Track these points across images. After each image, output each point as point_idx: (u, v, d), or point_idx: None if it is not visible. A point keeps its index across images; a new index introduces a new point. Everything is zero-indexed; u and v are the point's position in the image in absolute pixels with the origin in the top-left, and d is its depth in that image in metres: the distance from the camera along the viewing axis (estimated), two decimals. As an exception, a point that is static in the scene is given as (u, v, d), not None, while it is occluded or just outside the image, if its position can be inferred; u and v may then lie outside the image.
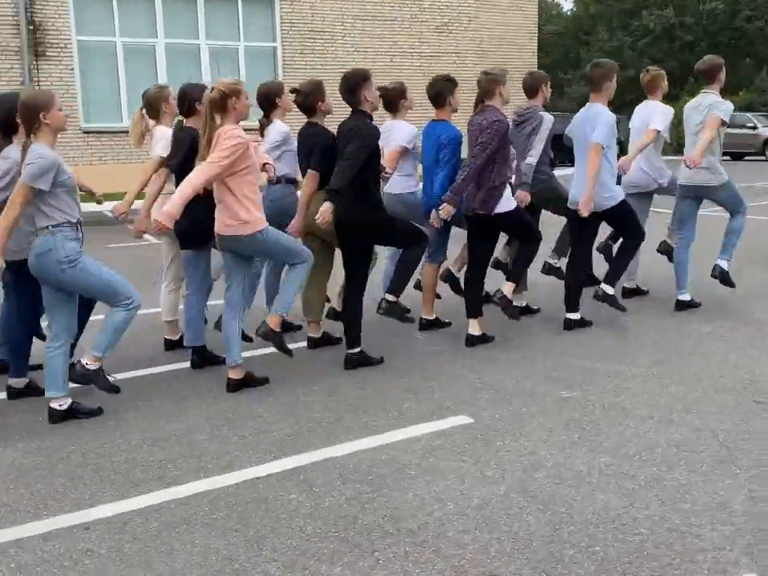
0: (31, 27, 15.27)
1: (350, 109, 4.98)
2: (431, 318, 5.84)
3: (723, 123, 5.92)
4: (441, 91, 5.53)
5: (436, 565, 2.78)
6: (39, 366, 4.64)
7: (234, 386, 4.56)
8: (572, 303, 5.80)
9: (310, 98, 5.28)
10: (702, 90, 6.16)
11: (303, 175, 5.36)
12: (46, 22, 15.48)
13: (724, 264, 6.26)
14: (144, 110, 5.48)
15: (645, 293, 6.78)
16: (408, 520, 3.09)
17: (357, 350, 4.97)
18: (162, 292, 5.45)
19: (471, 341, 5.41)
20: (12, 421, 4.20)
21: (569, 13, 50.81)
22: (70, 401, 4.14)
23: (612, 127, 5.56)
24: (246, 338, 4.98)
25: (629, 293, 6.74)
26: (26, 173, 3.90)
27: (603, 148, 5.50)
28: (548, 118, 5.95)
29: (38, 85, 15.45)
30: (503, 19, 20.49)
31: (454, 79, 5.59)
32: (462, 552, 2.86)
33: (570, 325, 5.74)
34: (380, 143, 5.25)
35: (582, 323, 5.78)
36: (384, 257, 6.06)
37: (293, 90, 5.43)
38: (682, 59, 35.96)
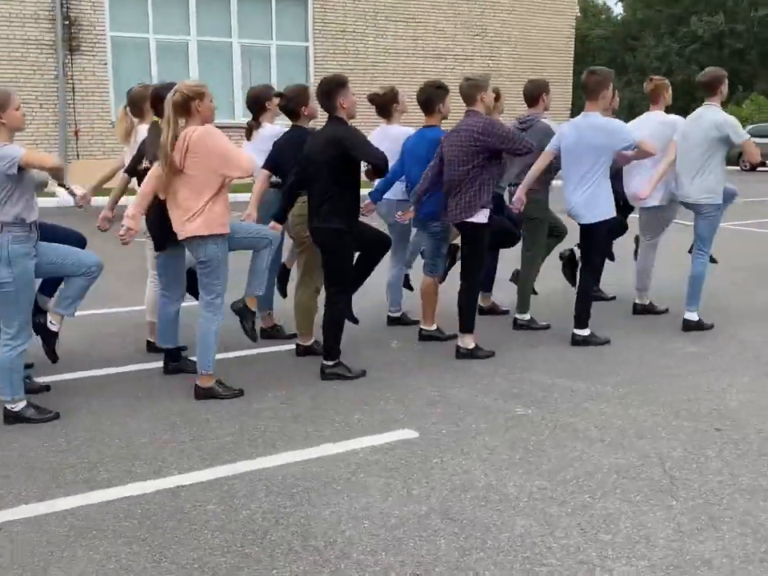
0: (66, 22, 15.57)
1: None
2: (431, 328, 5.72)
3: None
4: (431, 98, 5.43)
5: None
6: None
7: (202, 394, 4.52)
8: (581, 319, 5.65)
9: (292, 102, 5.26)
10: (705, 103, 5.98)
11: (285, 177, 5.28)
12: (81, 17, 15.77)
13: (692, 314, 6.05)
14: (128, 108, 5.51)
15: (664, 311, 6.51)
16: (318, 538, 3.03)
17: (331, 362, 4.88)
18: (148, 289, 5.41)
19: (463, 354, 5.29)
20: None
21: (618, 17, 50.06)
22: (24, 403, 4.15)
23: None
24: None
25: (641, 310, 6.53)
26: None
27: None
28: (554, 127, 5.86)
29: (72, 79, 15.78)
30: (539, 22, 20.28)
31: (444, 86, 5.49)
32: (361, 574, 2.79)
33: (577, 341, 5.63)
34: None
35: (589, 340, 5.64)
36: (390, 266, 6.02)
37: (277, 94, 5.42)
38: (731, 67, 35.15)
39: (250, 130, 5.83)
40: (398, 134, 5.81)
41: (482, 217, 5.10)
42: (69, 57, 15.73)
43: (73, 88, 15.88)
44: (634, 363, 5.22)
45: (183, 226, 4.39)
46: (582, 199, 5.48)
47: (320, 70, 17.74)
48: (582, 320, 5.60)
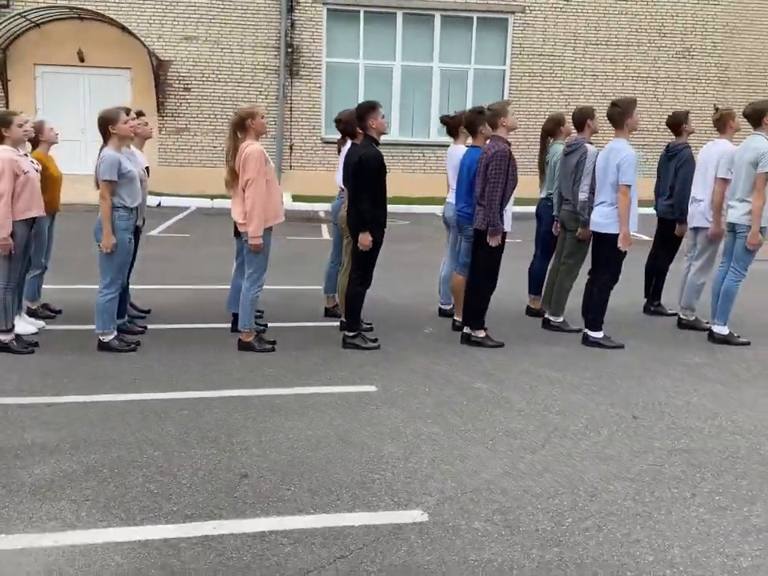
0: (289, 50, 17.87)
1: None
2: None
3: None
4: (472, 122, 6.31)
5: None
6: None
7: (243, 346, 5.82)
8: (594, 322, 6.24)
9: (349, 126, 6.43)
10: (752, 133, 6.27)
11: (346, 184, 6.43)
12: (303, 45, 18.00)
13: (721, 329, 6.36)
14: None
15: (708, 329, 6.65)
16: (239, 437, 4.17)
17: (351, 333, 5.98)
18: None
19: (474, 342, 6.15)
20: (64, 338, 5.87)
21: None
22: (112, 336, 5.70)
23: (635, 166, 5.97)
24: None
25: (690, 327, 6.87)
26: (99, 173, 5.50)
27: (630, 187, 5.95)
28: (592, 151, 6.48)
29: (290, 100, 18.05)
30: (755, 45, 19.46)
31: (483, 110, 6.30)
32: (245, 461, 3.88)
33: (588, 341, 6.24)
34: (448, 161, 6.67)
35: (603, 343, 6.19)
36: (446, 263, 6.97)
37: (336, 120, 6.63)
38: None
39: (339, 147, 7.07)
40: (458, 153, 6.74)
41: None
42: (289, 80, 18.02)
43: (291, 108, 18.15)
44: (627, 366, 5.71)
45: (240, 217, 5.71)
46: (606, 212, 6.06)
47: (514, 92, 18.64)
48: (597, 323, 6.16)
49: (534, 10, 18.59)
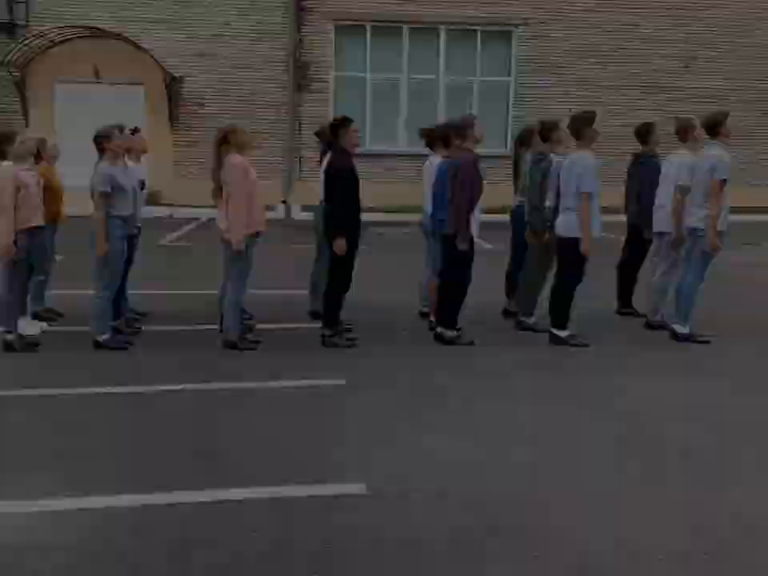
0: (299, 65, 18.41)
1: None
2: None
3: (724, 180, 6.39)
4: (447, 135, 6.74)
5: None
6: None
7: (227, 345, 6.26)
8: (559, 321, 6.60)
9: (328, 137, 6.86)
10: (709, 142, 6.61)
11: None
12: (311, 60, 18.52)
13: (682, 328, 6.68)
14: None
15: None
16: (207, 419, 4.59)
17: (329, 332, 6.40)
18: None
19: (446, 341, 6.53)
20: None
21: None
22: (107, 336, 6.16)
23: (595, 175, 6.35)
24: None
25: (657, 327, 7.21)
26: (94, 185, 5.98)
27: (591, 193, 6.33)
28: (557, 161, 6.86)
29: (300, 114, 18.55)
30: (761, 53, 19.68)
31: (455, 124, 6.71)
32: (209, 438, 4.30)
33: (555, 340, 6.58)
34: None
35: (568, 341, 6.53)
36: (426, 268, 7.36)
37: (316, 133, 7.09)
38: None
39: (321, 158, 7.53)
40: (436, 164, 7.14)
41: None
42: (298, 94, 18.55)
43: (300, 121, 18.65)
44: (585, 361, 6.07)
45: (224, 225, 6.16)
46: (569, 218, 6.43)
47: (519, 103, 19.03)
48: (562, 322, 6.52)
49: (539, 23, 18.98)
